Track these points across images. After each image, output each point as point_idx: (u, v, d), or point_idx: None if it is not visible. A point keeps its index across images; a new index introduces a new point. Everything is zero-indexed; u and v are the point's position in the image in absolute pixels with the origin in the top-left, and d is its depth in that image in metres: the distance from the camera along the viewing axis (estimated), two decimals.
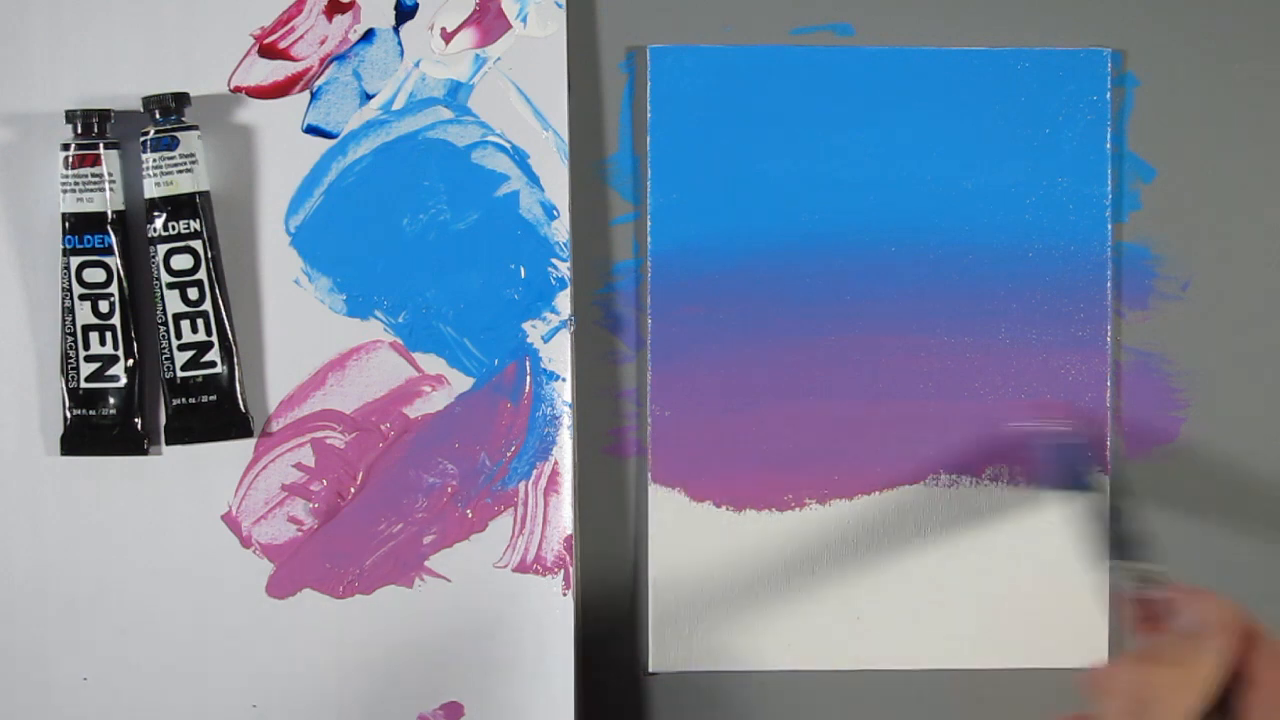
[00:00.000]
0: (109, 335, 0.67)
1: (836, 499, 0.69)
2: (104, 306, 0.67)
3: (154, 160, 0.66)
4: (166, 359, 0.67)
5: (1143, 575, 0.53)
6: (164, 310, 0.67)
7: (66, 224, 0.66)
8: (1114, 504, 0.63)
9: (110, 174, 0.66)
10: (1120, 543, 0.58)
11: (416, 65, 0.68)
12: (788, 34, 0.69)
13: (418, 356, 0.68)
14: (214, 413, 0.67)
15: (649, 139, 0.69)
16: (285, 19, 0.68)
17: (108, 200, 0.66)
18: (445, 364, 0.68)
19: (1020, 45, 0.69)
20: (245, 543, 0.68)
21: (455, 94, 0.68)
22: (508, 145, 0.68)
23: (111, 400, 0.67)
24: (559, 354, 0.68)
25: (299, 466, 0.68)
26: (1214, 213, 0.70)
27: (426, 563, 0.68)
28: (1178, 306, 0.70)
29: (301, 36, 0.68)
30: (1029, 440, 0.68)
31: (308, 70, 0.68)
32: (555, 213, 0.68)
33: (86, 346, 0.67)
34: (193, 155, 0.66)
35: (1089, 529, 0.61)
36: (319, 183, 0.68)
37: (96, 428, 0.67)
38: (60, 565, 0.68)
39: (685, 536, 0.69)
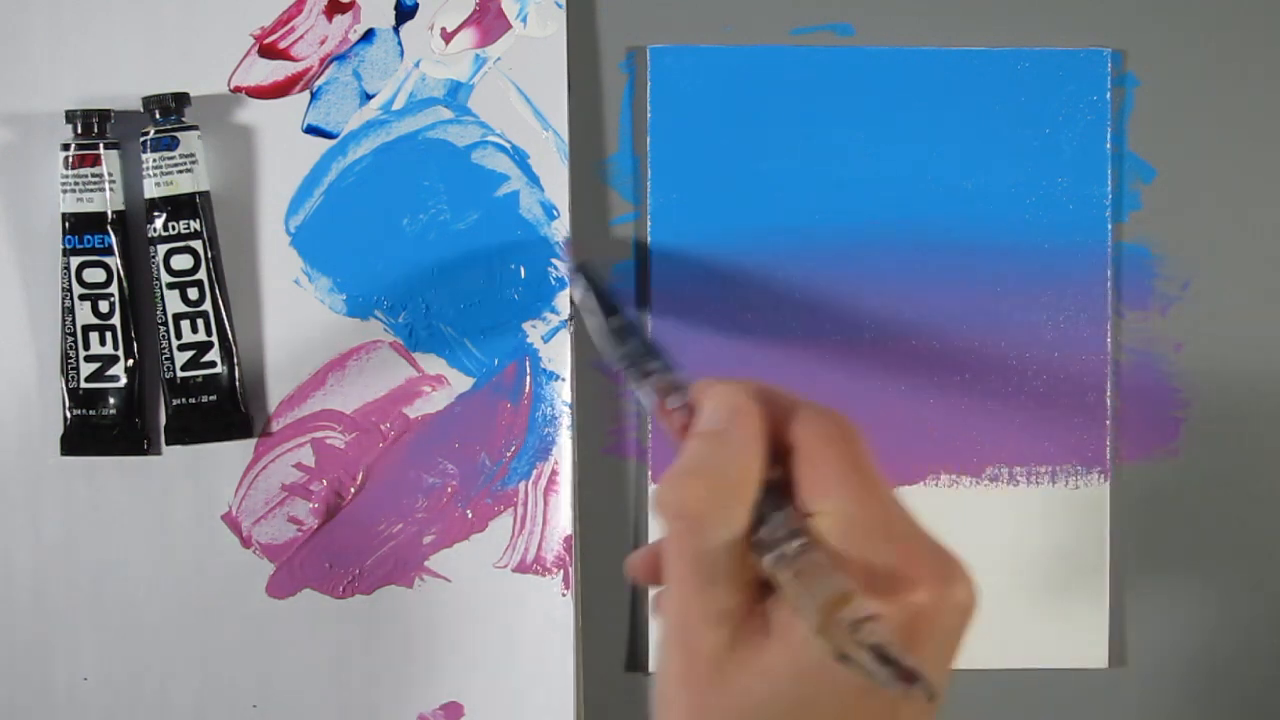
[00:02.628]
0: (109, 335, 0.67)
1: None
2: (104, 306, 0.67)
3: (154, 160, 0.66)
4: (166, 359, 0.67)
5: (664, 384, 0.50)
6: (164, 310, 0.67)
7: (66, 224, 0.66)
8: (621, 320, 0.59)
9: (110, 174, 0.66)
10: (635, 357, 0.54)
11: (416, 65, 0.68)
12: (788, 34, 0.69)
13: (418, 356, 0.68)
14: (214, 413, 0.67)
15: (649, 139, 0.69)
16: (285, 19, 0.68)
17: (108, 200, 0.66)
18: (445, 364, 0.68)
19: (1020, 45, 0.69)
20: (245, 543, 0.68)
21: (455, 94, 0.68)
22: (508, 145, 0.68)
23: (111, 400, 0.67)
24: (559, 354, 0.68)
25: (299, 466, 0.68)
26: (1214, 213, 0.70)
27: (426, 563, 0.68)
28: (1178, 306, 0.70)
29: (301, 36, 0.68)
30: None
31: (308, 70, 0.68)
32: (555, 213, 0.68)
33: (86, 346, 0.67)
34: (193, 155, 0.66)
35: (608, 349, 0.58)
36: (319, 183, 0.68)
37: (96, 428, 0.67)
38: (60, 565, 0.68)
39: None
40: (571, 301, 0.66)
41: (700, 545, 0.43)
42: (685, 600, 0.43)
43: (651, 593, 0.45)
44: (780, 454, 0.45)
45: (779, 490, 0.44)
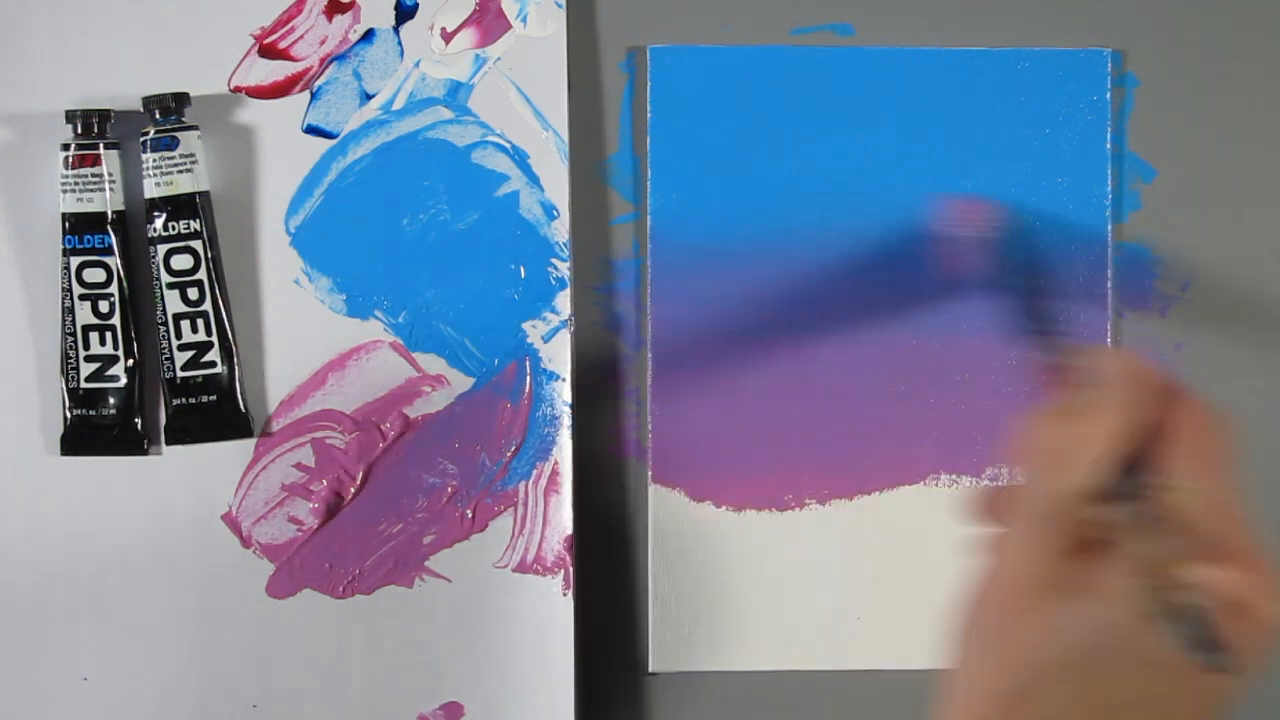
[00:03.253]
0: (109, 335, 0.67)
1: (836, 499, 0.69)
2: (104, 306, 0.67)
3: (154, 160, 0.66)
4: (166, 359, 0.67)
5: (1059, 346, 0.53)
6: (164, 310, 0.67)
7: (66, 224, 0.66)
8: (1027, 279, 0.62)
9: (110, 174, 0.66)
10: (1035, 316, 0.57)
11: (416, 65, 0.68)
12: (788, 34, 0.69)
13: (418, 356, 0.68)
14: (214, 413, 0.67)
15: (649, 139, 0.69)
16: (285, 19, 0.68)
17: (108, 200, 0.66)
18: (445, 364, 0.68)
19: (1020, 45, 0.69)
20: (245, 543, 0.68)
21: (455, 94, 0.68)
22: (508, 145, 0.68)
23: (111, 400, 0.67)
24: (559, 354, 0.68)
25: (299, 466, 0.68)
26: (1214, 213, 0.70)
27: (426, 563, 0.68)
28: (1178, 306, 0.70)
29: (301, 36, 0.68)
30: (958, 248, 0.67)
31: (308, 70, 0.68)
32: (555, 213, 0.68)
33: (86, 346, 0.67)
34: (193, 155, 0.66)
35: (1021, 310, 0.61)
36: (319, 183, 0.68)
37: (96, 428, 0.67)
38: (60, 565, 0.68)
39: (685, 536, 0.69)
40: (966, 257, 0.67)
41: (1059, 483, 0.45)
42: (1028, 532, 0.46)
43: (982, 532, 0.48)
44: (1156, 433, 0.46)
45: (1142, 461, 0.46)
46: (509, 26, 0.68)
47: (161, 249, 0.66)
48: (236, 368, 0.67)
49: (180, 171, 0.66)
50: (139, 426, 0.67)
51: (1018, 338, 0.56)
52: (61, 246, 0.66)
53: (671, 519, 0.69)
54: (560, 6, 0.68)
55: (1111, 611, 0.44)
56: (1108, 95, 0.69)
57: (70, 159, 0.66)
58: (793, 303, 0.69)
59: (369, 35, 0.68)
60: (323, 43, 0.68)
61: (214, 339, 0.67)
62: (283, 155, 0.68)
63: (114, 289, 0.67)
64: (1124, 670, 0.44)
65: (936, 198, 0.68)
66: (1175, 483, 0.45)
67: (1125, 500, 0.45)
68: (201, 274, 0.67)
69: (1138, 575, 0.43)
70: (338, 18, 0.68)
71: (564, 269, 0.68)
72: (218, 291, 0.67)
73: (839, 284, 0.69)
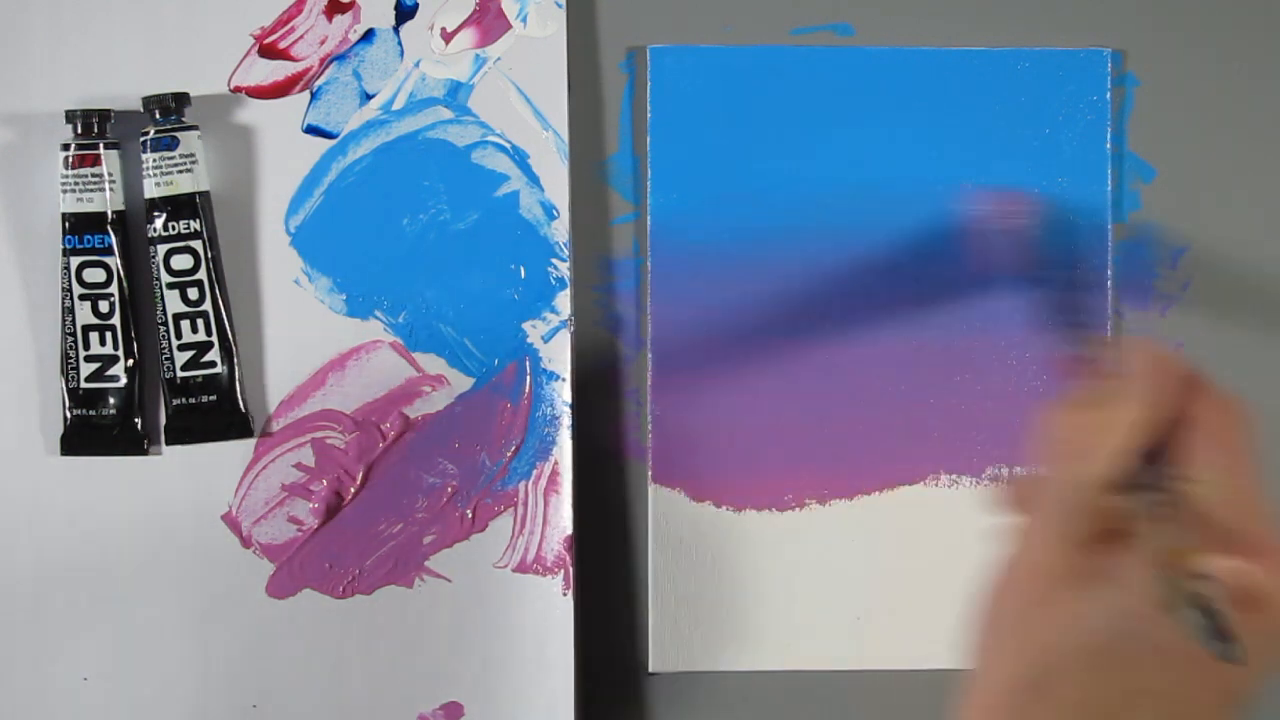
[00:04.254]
0: (109, 335, 0.67)
1: (836, 499, 0.69)
2: (104, 306, 0.67)
3: (154, 160, 0.66)
4: (166, 359, 0.67)
5: (1084, 337, 0.53)
6: (164, 310, 0.67)
7: (66, 224, 0.66)
8: (1056, 272, 0.62)
9: (110, 174, 0.66)
10: (1064, 308, 0.57)
11: (416, 65, 0.68)
12: (788, 34, 0.70)
13: (418, 356, 0.68)
14: (214, 413, 0.67)
15: (649, 139, 0.69)
16: (285, 19, 0.68)
17: (108, 200, 0.66)
18: (445, 364, 0.68)
19: (1020, 45, 0.69)
20: (245, 543, 0.68)
21: (455, 94, 0.68)
22: (508, 145, 0.68)
23: (111, 400, 0.67)
24: (559, 354, 0.68)
25: (299, 466, 0.68)
26: (1214, 213, 0.70)
27: (426, 563, 0.68)
28: (1178, 306, 0.70)
29: (301, 36, 0.68)
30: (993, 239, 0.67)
31: (308, 70, 0.68)
32: (555, 213, 0.68)
33: (86, 346, 0.67)
34: (193, 155, 0.66)
35: (1053, 302, 0.61)
36: (319, 183, 0.68)
37: (96, 428, 0.67)
38: (60, 565, 0.67)
39: (685, 536, 0.69)
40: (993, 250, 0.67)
41: (1079, 472, 0.45)
42: (1048, 522, 0.46)
43: (1005, 521, 0.49)
44: (1176, 425, 0.47)
45: (1162, 452, 0.46)
46: (509, 26, 0.68)
47: (161, 249, 0.66)
48: (236, 368, 0.67)
49: (180, 171, 0.66)
50: (139, 426, 0.67)
51: (1048, 329, 0.56)
52: (61, 246, 0.66)
53: (671, 519, 0.69)
54: (560, 6, 0.68)
55: (1128, 601, 0.44)
56: (1108, 95, 0.69)
57: (70, 159, 0.66)
58: (793, 302, 0.69)
59: (369, 35, 0.68)
60: (323, 43, 0.68)
61: (214, 339, 0.67)
62: (283, 155, 0.68)
63: (114, 289, 0.67)
64: (1140, 660, 0.44)
65: (970, 191, 0.68)
66: (1195, 474, 0.45)
67: (1144, 491, 0.45)
68: (201, 274, 0.67)
69: (1154, 565, 0.43)
70: (338, 18, 0.68)
71: (564, 269, 0.68)
72: (218, 291, 0.67)
73: (840, 283, 0.69)
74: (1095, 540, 0.45)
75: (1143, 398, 0.46)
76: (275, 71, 0.68)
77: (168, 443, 0.68)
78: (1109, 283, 0.69)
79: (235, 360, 0.67)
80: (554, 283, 0.68)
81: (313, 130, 0.68)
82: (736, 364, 0.69)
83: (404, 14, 0.68)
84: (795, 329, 0.69)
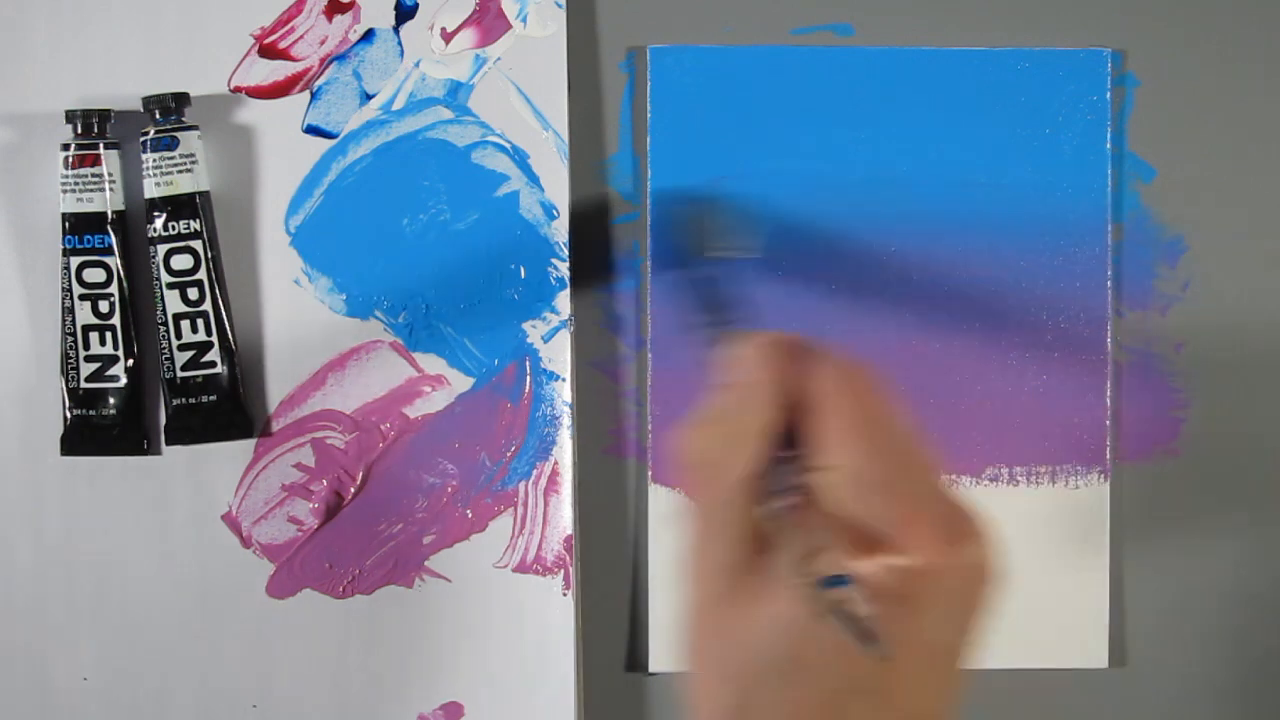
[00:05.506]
0: (109, 335, 0.67)
1: None
2: (104, 306, 0.67)
3: (154, 160, 0.66)
4: (166, 359, 0.67)
5: (713, 338, 0.51)
6: (164, 310, 0.67)
7: (66, 224, 0.66)
8: (696, 271, 0.61)
9: (110, 174, 0.66)
10: (709, 306, 0.56)
11: (416, 65, 0.68)
12: (788, 34, 0.70)
13: (418, 356, 0.68)
14: (214, 413, 0.67)
15: (649, 139, 0.69)
16: (285, 19, 0.68)
17: (108, 200, 0.66)
18: (445, 364, 0.68)
19: (1020, 45, 0.69)
20: (245, 543, 0.68)
21: (455, 94, 0.68)
22: (508, 145, 0.68)
23: (111, 400, 0.67)
24: (559, 354, 0.68)
25: (299, 466, 0.68)
26: (1214, 213, 0.70)
27: (426, 563, 0.68)
28: (1178, 306, 0.70)
29: (301, 36, 0.68)
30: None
31: (308, 70, 0.68)
32: (555, 213, 0.68)
33: (86, 346, 0.67)
34: (193, 155, 0.66)
35: (694, 297, 0.60)
36: (319, 183, 0.68)
37: (96, 428, 0.67)
38: (60, 565, 0.68)
39: (685, 536, 0.69)
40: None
41: (709, 494, 0.44)
42: (695, 547, 0.45)
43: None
44: (804, 406, 0.45)
45: (796, 444, 0.44)
46: (509, 26, 0.68)
47: (161, 249, 0.66)
48: (236, 368, 0.67)
49: (180, 171, 0.66)
50: (139, 426, 0.67)
51: (693, 326, 0.55)
52: (61, 246, 0.66)
53: (671, 519, 0.69)
54: (560, 6, 0.68)
55: (790, 610, 0.43)
56: (1108, 95, 0.69)
57: (70, 159, 0.66)
58: (791, 302, 0.69)
59: (369, 35, 0.68)
60: (323, 43, 0.68)
61: (214, 339, 0.67)
62: (283, 155, 0.68)
63: (114, 289, 0.67)
64: (826, 666, 0.42)
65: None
66: (827, 460, 0.44)
67: (781, 494, 0.43)
68: (201, 274, 0.67)
69: (795, 573, 0.42)
70: (338, 18, 0.68)
71: (564, 269, 0.68)
72: (218, 291, 0.67)
73: (840, 283, 0.69)
74: (753, 554, 0.44)
75: (757, 399, 0.44)
76: (275, 71, 0.68)
77: (168, 443, 0.68)
78: (1109, 283, 0.69)
79: (235, 360, 0.67)
80: (554, 283, 0.68)
81: (313, 130, 0.68)
82: None
83: (404, 14, 0.68)
84: (794, 327, 0.69)
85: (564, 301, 0.68)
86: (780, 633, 0.43)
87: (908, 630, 0.42)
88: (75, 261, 0.66)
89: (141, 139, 0.66)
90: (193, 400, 0.67)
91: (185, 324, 0.67)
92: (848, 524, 0.43)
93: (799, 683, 0.43)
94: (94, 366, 0.67)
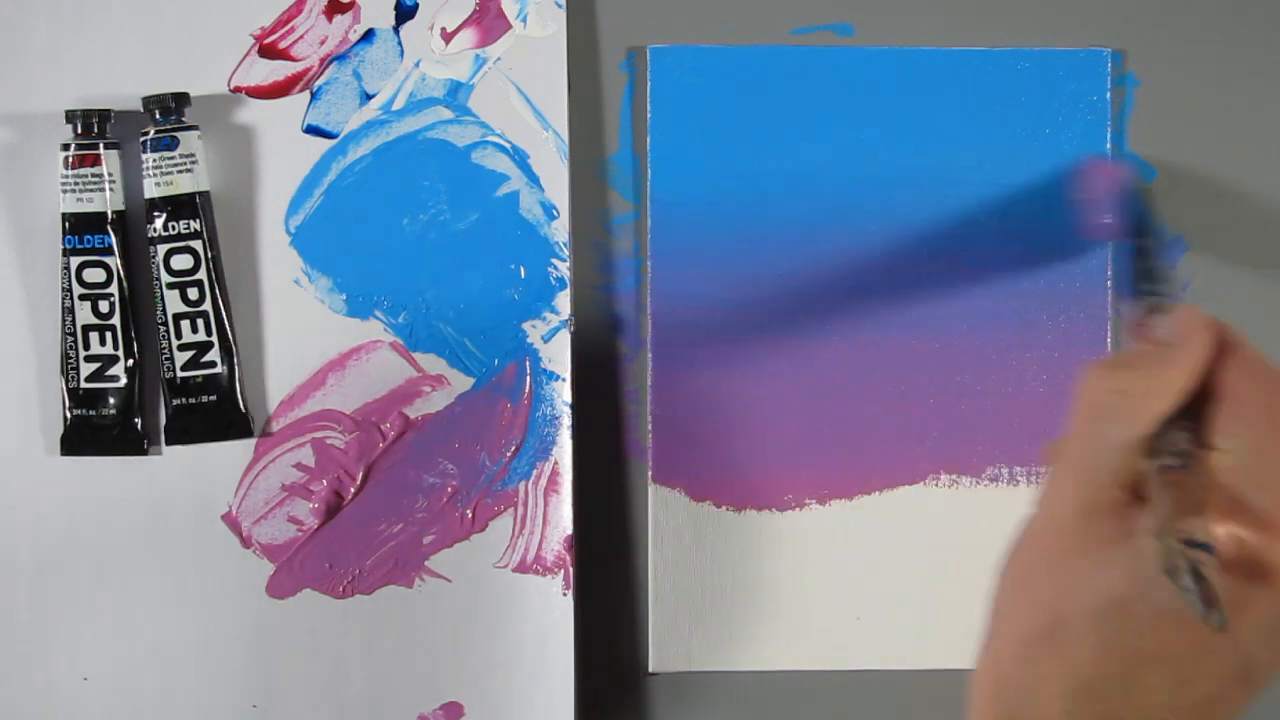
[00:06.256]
0: (109, 335, 0.67)
1: (836, 499, 0.69)
2: (104, 306, 0.67)
3: (154, 160, 0.66)
4: (166, 359, 0.67)
5: (1154, 305, 0.53)
6: (164, 310, 0.67)
7: (66, 224, 0.66)
8: (1139, 241, 0.63)
9: (110, 174, 0.66)
10: (1143, 274, 0.58)
11: (416, 65, 0.68)
12: (788, 34, 0.70)
13: (418, 356, 0.68)
14: (214, 413, 0.67)
15: (649, 139, 0.69)
16: (285, 19, 0.68)
17: (108, 200, 0.66)
18: (445, 364, 0.68)
19: (1020, 45, 0.69)
20: (245, 543, 0.68)
21: (455, 94, 0.68)
22: (508, 145, 0.68)
23: (111, 400, 0.67)
24: (559, 354, 0.68)
25: (299, 466, 0.68)
26: (1214, 213, 0.70)
27: (426, 563, 0.68)
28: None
29: (301, 36, 0.68)
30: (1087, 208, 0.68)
31: (308, 70, 0.68)
32: (555, 213, 0.68)
33: (86, 346, 0.67)
34: (193, 155, 0.66)
35: (1139, 269, 0.61)
36: (319, 183, 0.68)
37: (96, 428, 0.67)
38: (60, 565, 0.68)
39: (685, 536, 0.69)
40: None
41: (1100, 432, 0.45)
42: (1065, 477, 0.46)
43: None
44: (1208, 391, 0.46)
45: (1192, 417, 0.46)
46: (509, 26, 0.68)
47: (161, 249, 0.66)
48: (236, 368, 0.67)
49: (180, 171, 0.66)
50: (139, 426, 0.67)
51: (1127, 293, 0.56)
52: (61, 246, 0.66)
53: (671, 519, 0.69)
54: (560, 6, 0.68)
55: (1139, 564, 0.44)
56: (1108, 95, 0.69)
57: (70, 159, 0.66)
58: (793, 301, 0.69)
59: (369, 35, 0.68)
60: (323, 43, 0.68)
61: (214, 339, 0.67)
62: (283, 155, 0.68)
63: (114, 289, 0.67)
64: (1149, 624, 0.44)
65: (1078, 159, 0.68)
66: (1220, 442, 0.45)
67: (1166, 455, 0.45)
68: (201, 274, 0.67)
69: (1158, 529, 0.43)
70: (338, 18, 0.68)
71: (564, 269, 0.68)
72: (218, 291, 0.67)
73: (840, 282, 0.69)
74: (1117, 502, 0.45)
75: (1185, 365, 0.45)
76: (275, 71, 0.68)
77: (168, 443, 0.68)
78: (1109, 282, 0.69)
79: (235, 360, 0.67)
80: (554, 283, 0.68)
81: (313, 130, 0.68)
82: (737, 364, 0.69)
83: (404, 14, 0.68)
84: (795, 328, 0.69)
85: (564, 301, 0.68)
86: (1120, 578, 0.44)
87: (1239, 615, 0.43)
88: (75, 261, 0.66)
89: (141, 139, 0.66)
90: (192, 400, 0.67)
91: (185, 324, 0.67)
92: (1226, 498, 0.44)
93: (1115, 629, 0.44)
94: (94, 366, 0.67)
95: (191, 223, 0.67)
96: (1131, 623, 0.44)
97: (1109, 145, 0.69)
